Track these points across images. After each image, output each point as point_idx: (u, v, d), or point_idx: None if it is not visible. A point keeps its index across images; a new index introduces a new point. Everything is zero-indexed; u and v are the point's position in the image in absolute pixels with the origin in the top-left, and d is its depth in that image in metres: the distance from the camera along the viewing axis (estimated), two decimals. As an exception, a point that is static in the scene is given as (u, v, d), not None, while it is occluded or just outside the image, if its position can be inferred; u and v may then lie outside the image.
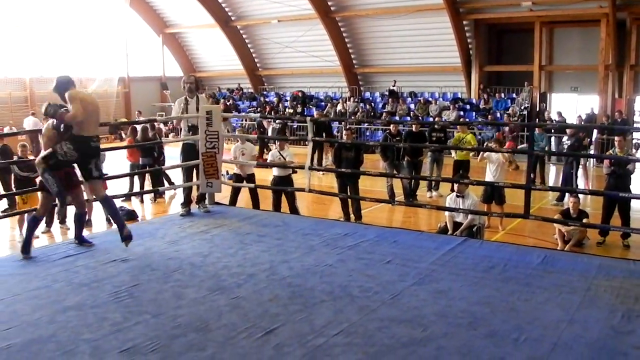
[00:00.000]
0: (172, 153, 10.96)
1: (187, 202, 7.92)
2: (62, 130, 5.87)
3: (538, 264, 5.73)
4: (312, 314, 4.48)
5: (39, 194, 6.20)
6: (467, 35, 22.36)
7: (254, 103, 26.75)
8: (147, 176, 12.99)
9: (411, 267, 5.60)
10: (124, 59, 27.64)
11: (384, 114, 22.03)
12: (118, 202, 11.22)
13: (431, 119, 20.73)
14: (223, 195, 9.49)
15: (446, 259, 5.87)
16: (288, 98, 25.92)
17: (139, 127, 12.82)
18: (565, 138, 12.29)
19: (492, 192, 10.32)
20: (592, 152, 16.81)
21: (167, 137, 21.29)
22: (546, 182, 14.35)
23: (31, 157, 9.36)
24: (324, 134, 16.90)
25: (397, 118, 21.38)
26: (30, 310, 4.51)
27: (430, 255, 5.98)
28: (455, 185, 9.27)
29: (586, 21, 20.52)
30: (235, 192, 10.31)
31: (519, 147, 15.91)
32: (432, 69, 23.68)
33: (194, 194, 8.25)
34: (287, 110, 24.14)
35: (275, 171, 10.18)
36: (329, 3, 23.88)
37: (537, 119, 20.43)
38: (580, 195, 9.94)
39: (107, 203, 6.31)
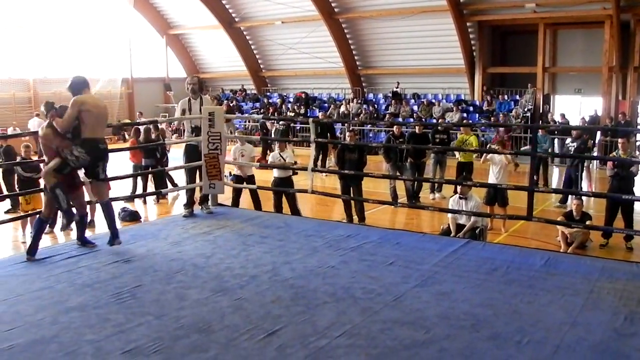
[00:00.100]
0: (177, 154, 10.98)
1: (190, 203, 7.93)
2: (69, 133, 5.89)
3: (541, 266, 5.72)
4: (315, 315, 4.48)
5: (42, 194, 6.21)
6: (470, 36, 22.35)
7: (257, 104, 26.77)
8: (150, 177, 13.00)
9: (414, 268, 5.60)
10: (127, 60, 27.70)
11: (387, 116, 22.04)
12: (121, 203, 11.32)
13: (434, 121, 20.72)
14: (226, 196, 9.50)
15: (449, 261, 5.86)
16: (291, 99, 25.95)
17: (141, 128, 12.83)
18: (569, 140, 12.26)
19: (495, 194, 10.31)
20: (595, 154, 16.79)
21: (172, 138, 21.28)
22: (549, 184, 14.33)
23: (34, 158, 9.42)
24: (328, 135, 16.88)
25: (400, 119, 21.38)
26: (33, 311, 4.52)
27: (433, 257, 5.97)
28: (458, 187, 9.27)
29: (590, 23, 20.51)
30: (238, 194, 10.32)
31: (522, 149, 15.90)
32: (436, 70, 23.67)
33: (197, 195, 8.26)
34: (288, 112, 24.13)
35: (275, 172, 10.21)
36: (333, 4, 23.90)
37: (540, 121, 20.40)
38: (584, 198, 9.92)
39: (108, 208, 6.32)
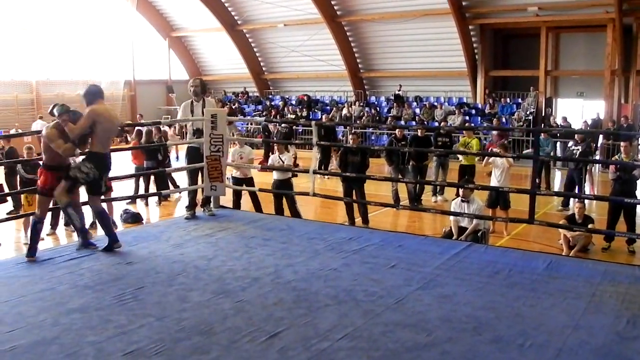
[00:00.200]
0: (182, 156, 10.98)
1: (192, 205, 7.94)
2: (78, 140, 5.90)
3: (543, 269, 5.71)
4: (317, 318, 4.48)
5: (37, 196, 6.21)
6: (473, 40, 22.36)
7: (260, 107, 26.79)
8: (153, 179, 13.01)
9: (416, 271, 5.59)
10: (130, 62, 27.71)
11: (390, 119, 22.04)
12: (123, 205, 11.33)
13: (436, 124, 20.71)
14: (228, 198, 9.51)
15: (451, 264, 5.86)
16: (293, 102, 25.97)
17: (143, 130, 12.84)
18: (571, 143, 12.24)
19: (497, 197, 10.31)
20: (597, 157, 16.76)
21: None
22: (551, 187, 14.31)
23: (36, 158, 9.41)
24: (330, 138, 16.88)
25: (402, 122, 21.38)
26: (35, 312, 4.52)
27: (435, 259, 5.97)
28: (461, 190, 9.27)
29: (592, 26, 20.52)
30: (238, 196, 10.33)
31: (524, 152, 15.88)
32: (438, 73, 23.67)
33: (199, 197, 8.26)
34: (288, 115, 24.13)
35: (275, 175, 10.26)
36: (335, 7, 23.93)
37: (542, 124, 20.39)
38: (586, 201, 9.91)
39: (101, 215, 6.30)
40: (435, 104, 22.94)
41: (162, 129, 13.63)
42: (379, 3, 22.70)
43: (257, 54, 28.23)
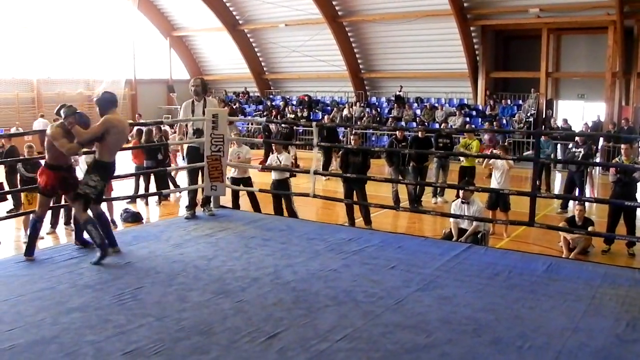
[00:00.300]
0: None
1: (192, 205, 7.93)
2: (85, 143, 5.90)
3: (543, 271, 5.71)
4: (316, 318, 4.48)
5: (38, 194, 6.18)
6: (474, 41, 22.37)
7: (260, 107, 26.79)
8: (153, 179, 13.00)
9: (416, 272, 5.59)
10: (131, 61, 27.72)
11: (390, 120, 22.04)
12: (123, 204, 11.34)
13: (437, 125, 20.71)
14: (228, 198, 9.51)
15: (451, 265, 5.85)
16: (294, 102, 25.97)
17: (144, 129, 12.83)
18: (571, 145, 12.24)
19: (497, 199, 10.30)
20: (598, 159, 16.75)
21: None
22: (552, 190, 14.30)
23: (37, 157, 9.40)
24: (332, 139, 16.88)
25: (403, 123, 21.38)
26: (34, 312, 4.52)
27: (434, 261, 5.97)
28: (461, 192, 9.27)
29: (593, 28, 20.52)
30: (236, 196, 10.32)
31: (524, 154, 15.87)
32: (439, 74, 23.68)
33: (199, 197, 8.26)
34: (289, 115, 24.14)
35: (273, 175, 10.27)
36: (337, 8, 23.94)
37: (543, 126, 20.39)
38: (586, 203, 9.90)
39: (100, 218, 6.14)
40: (436, 105, 22.94)
41: (162, 128, 13.61)
42: (381, 4, 22.71)
43: (258, 54, 28.24)
